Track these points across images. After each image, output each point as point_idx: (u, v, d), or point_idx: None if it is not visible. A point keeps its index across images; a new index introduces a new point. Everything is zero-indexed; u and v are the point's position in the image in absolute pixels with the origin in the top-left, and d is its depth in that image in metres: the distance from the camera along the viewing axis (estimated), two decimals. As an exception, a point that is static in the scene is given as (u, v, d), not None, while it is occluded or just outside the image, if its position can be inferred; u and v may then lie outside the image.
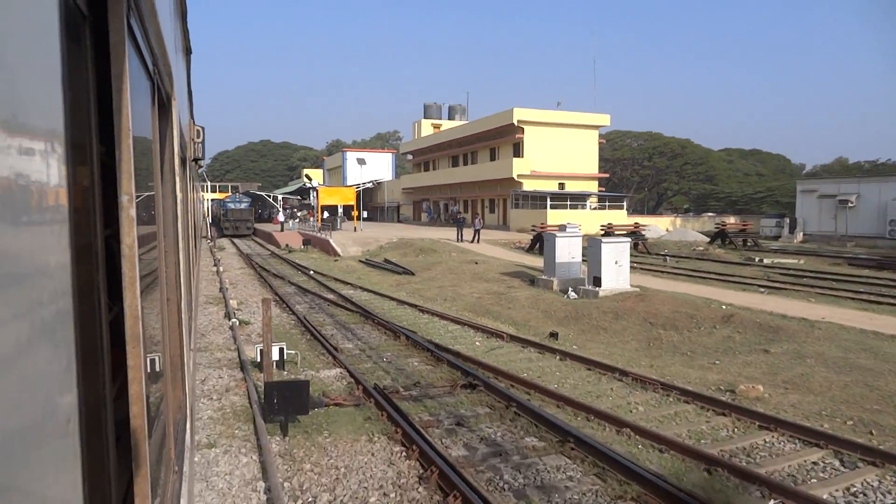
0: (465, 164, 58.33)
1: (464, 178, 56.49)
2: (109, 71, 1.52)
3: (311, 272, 25.05)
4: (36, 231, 0.78)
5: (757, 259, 28.47)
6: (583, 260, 19.79)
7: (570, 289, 18.81)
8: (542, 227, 31.06)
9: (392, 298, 18.82)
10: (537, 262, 25.29)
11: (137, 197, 1.68)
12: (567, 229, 21.19)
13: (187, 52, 6.48)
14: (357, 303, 17.58)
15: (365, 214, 43.82)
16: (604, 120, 52.15)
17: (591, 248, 18.24)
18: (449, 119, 71.25)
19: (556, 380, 10.47)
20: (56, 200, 0.88)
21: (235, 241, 48.33)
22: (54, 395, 0.80)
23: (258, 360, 10.54)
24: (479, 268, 24.70)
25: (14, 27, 0.73)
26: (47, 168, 0.84)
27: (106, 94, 1.56)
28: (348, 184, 69.51)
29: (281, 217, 50.32)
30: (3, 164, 0.66)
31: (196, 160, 10.70)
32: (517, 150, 50.16)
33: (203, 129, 11.16)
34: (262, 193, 69.13)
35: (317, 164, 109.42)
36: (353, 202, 44.19)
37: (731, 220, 48.18)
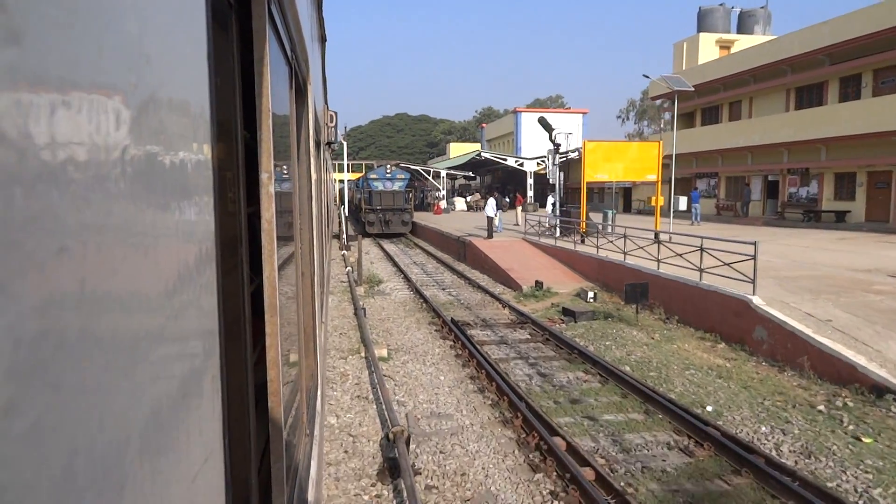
0: (857, 95, 26.66)
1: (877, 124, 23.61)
2: (252, 56, 1.62)
3: None
4: (186, 207, 0.84)
5: None
6: None
7: None
8: None
9: None
10: None
11: (276, 176, 1.78)
12: None
13: (322, 40, 6.81)
14: None
15: (550, 202, 23.91)
16: None
17: None
18: (739, 33, 39.85)
19: None
20: (205, 179, 0.95)
21: (385, 244, 29.25)
22: (200, 356, 0.87)
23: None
24: None
25: (169, 15, 0.78)
26: (198, 147, 0.91)
27: (249, 79, 1.67)
28: (523, 156, 44.75)
29: (490, 210, 23.41)
30: (158, 143, 0.71)
31: (329, 144, 11.31)
32: None
33: (336, 114, 11.76)
34: (419, 168, 47.95)
35: (465, 138, 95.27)
36: (654, 175, 20.58)
37: None
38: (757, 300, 10.21)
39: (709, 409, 7.81)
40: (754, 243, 10.64)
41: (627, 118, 70.57)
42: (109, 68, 0.58)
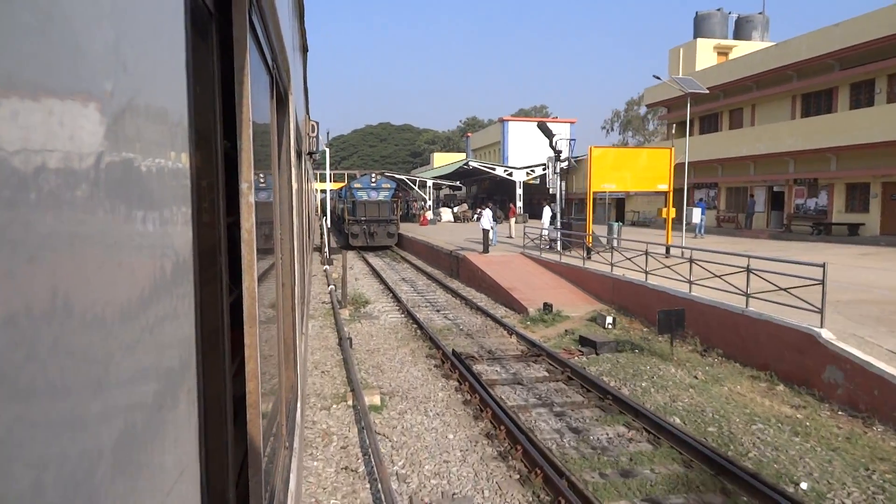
0: (870, 102, 25.39)
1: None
2: (233, 65, 1.61)
3: None
4: (163, 216, 0.83)
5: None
6: None
7: None
8: None
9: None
10: None
11: (256, 185, 1.77)
12: None
13: (304, 50, 6.81)
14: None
15: (547, 214, 23.95)
16: None
17: None
18: (737, 39, 38.76)
19: None
20: (183, 188, 0.94)
21: (370, 258, 27.63)
22: (175, 369, 0.86)
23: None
24: None
25: (147, 23, 0.77)
26: (176, 156, 0.90)
27: (229, 88, 1.66)
28: (512, 165, 45.90)
29: (486, 223, 21.41)
30: (135, 151, 0.71)
31: (311, 153, 11.27)
32: None
33: (317, 123, 11.75)
34: (405, 177, 46.40)
35: (448, 148, 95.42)
36: (665, 184, 18.84)
37: None
38: (826, 334, 8.53)
39: (803, 486, 5.98)
40: (822, 265, 8.88)
41: (612, 129, 71.46)
42: (85, 75, 0.57)
